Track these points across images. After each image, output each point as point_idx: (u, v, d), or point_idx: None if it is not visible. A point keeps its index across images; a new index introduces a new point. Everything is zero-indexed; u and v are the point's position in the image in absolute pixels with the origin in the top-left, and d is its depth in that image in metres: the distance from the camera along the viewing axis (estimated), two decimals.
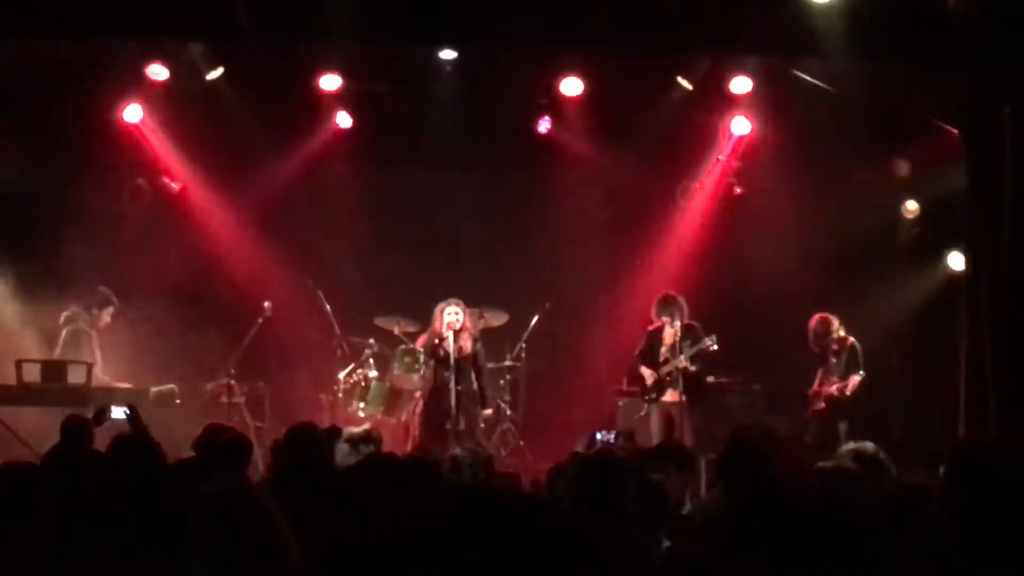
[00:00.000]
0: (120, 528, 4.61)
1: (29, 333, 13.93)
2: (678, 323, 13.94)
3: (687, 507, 7.73)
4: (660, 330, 14.21)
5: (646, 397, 14.28)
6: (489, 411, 14.68)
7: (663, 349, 14.16)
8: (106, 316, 14.07)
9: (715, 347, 13.86)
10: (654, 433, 13.86)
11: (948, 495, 4.84)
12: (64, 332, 13.78)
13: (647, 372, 14.25)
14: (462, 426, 13.80)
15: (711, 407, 14.46)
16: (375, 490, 4.51)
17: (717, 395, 14.95)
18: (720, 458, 5.54)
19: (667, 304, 14.13)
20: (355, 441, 9.03)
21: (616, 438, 8.35)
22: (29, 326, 14.00)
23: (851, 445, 7.36)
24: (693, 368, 13.91)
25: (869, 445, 7.26)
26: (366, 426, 9.64)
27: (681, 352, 13.83)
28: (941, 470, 4.97)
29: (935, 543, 4.89)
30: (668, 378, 13.99)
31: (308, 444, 8.09)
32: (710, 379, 14.70)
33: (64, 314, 13.86)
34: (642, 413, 14.37)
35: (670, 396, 13.97)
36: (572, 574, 1.60)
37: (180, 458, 9.06)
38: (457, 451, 8.34)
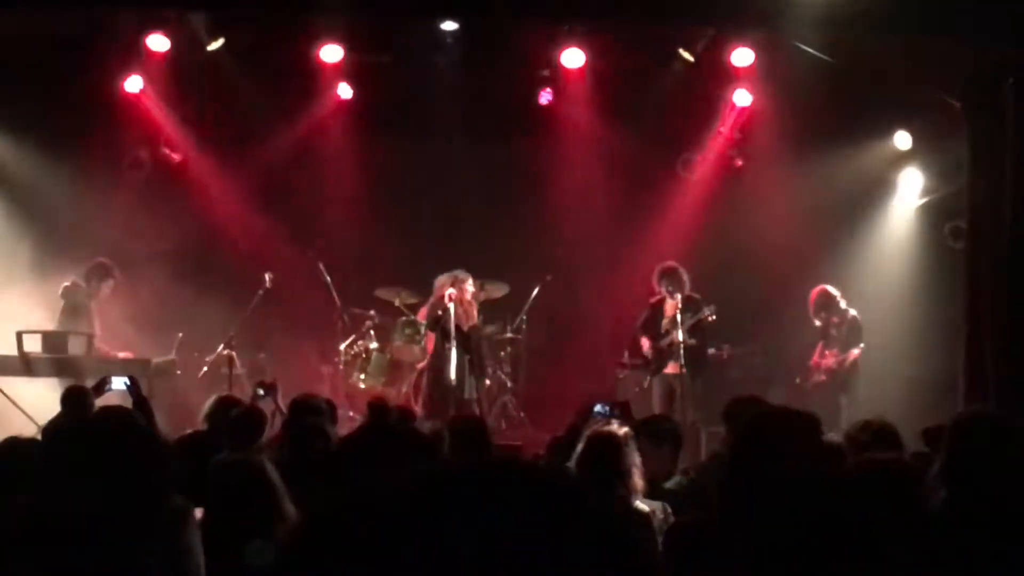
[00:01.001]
0: (115, 499, 4.62)
1: (29, 304, 13.93)
2: (679, 295, 13.95)
3: (676, 480, 7.76)
4: (661, 302, 14.24)
5: (648, 369, 14.32)
6: (488, 381, 14.73)
7: (664, 321, 14.17)
8: (106, 288, 14.06)
9: (713, 317, 13.88)
10: (655, 405, 13.89)
11: (946, 467, 4.86)
12: (63, 303, 13.77)
13: (645, 343, 14.28)
14: (465, 395, 13.85)
15: (712, 379, 14.48)
16: (373, 462, 4.52)
17: (718, 367, 14.99)
18: (738, 438, 5.55)
19: (668, 274, 14.15)
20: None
21: (612, 410, 8.33)
22: (29, 297, 14.00)
23: (865, 419, 7.37)
24: (692, 342, 13.91)
25: (880, 417, 7.29)
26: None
27: (682, 324, 13.83)
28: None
29: (930, 515, 4.91)
30: (669, 350, 14.01)
31: (310, 415, 8.14)
32: (711, 351, 14.72)
33: (64, 285, 13.84)
34: (645, 385, 14.40)
35: (671, 368, 13.99)
36: (578, 541, 1.61)
37: (181, 428, 9.14)
38: (456, 425, 8.35)
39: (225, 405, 9.12)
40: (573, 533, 1.77)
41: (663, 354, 14.10)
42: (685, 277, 14.14)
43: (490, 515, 1.75)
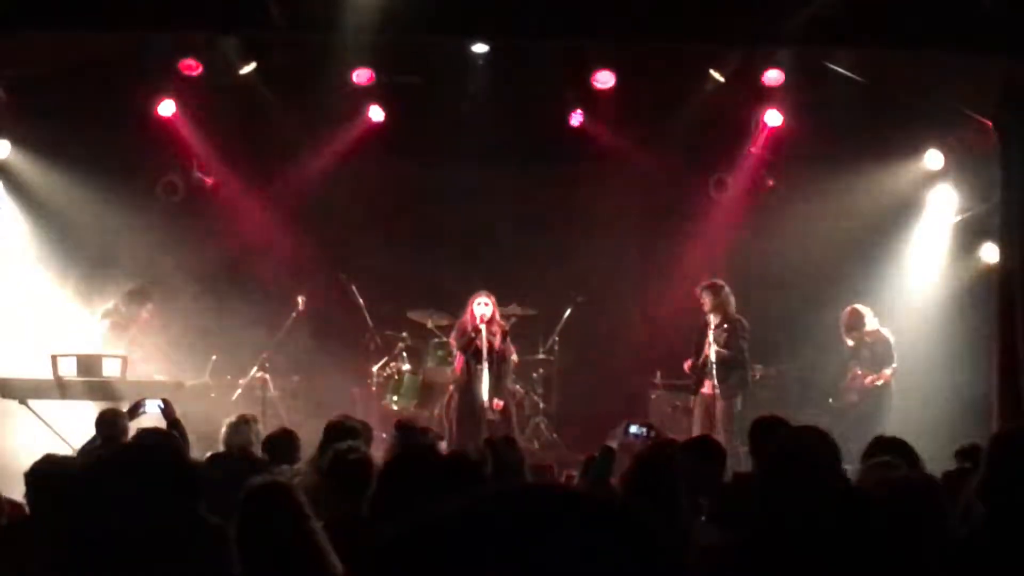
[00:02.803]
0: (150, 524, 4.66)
1: (67, 327, 13.99)
2: (712, 316, 13.92)
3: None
4: (707, 324, 14.14)
5: (690, 390, 14.35)
6: (500, 403, 14.42)
7: (706, 342, 14.14)
8: (145, 312, 14.11)
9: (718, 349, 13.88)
10: (695, 425, 13.88)
11: (986, 483, 4.84)
12: (102, 325, 13.83)
13: (687, 364, 14.27)
14: (494, 416, 13.83)
15: (745, 400, 14.45)
16: (416, 485, 4.54)
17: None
18: (764, 458, 5.53)
19: (709, 290, 14.09)
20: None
21: (648, 431, 8.33)
22: (66, 320, 14.06)
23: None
24: (726, 352, 13.84)
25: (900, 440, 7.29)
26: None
27: (714, 341, 13.83)
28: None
29: (966, 532, 4.89)
30: (702, 369, 13.99)
31: (346, 437, 8.15)
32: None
33: (104, 307, 13.92)
34: (690, 405, 14.41)
35: (707, 388, 13.96)
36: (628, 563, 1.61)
37: (215, 451, 9.18)
38: (491, 447, 8.32)
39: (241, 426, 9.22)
40: (626, 560, 1.79)
41: (698, 373, 14.09)
42: (729, 292, 14.06)
43: (546, 542, 1.76)
